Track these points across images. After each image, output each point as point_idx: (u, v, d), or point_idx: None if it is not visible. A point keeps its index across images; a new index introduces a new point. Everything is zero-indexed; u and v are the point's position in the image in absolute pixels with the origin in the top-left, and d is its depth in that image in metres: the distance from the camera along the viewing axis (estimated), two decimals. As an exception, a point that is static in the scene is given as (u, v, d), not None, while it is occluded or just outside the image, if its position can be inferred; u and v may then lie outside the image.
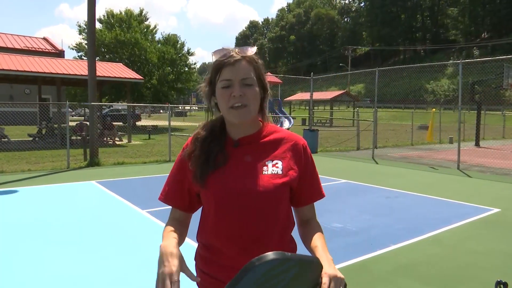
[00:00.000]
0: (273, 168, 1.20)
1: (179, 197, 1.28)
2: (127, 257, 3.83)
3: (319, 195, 1.30)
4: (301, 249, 1.26)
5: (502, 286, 1.30)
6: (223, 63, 1.16)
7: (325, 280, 0.96)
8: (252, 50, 1.19)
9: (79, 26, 30.48)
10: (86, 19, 10.87)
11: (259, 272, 0.84)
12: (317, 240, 1.18)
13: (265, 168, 1.20)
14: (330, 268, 1.00)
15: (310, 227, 1.27)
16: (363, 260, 3.81)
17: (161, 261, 1.01)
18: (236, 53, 1.17)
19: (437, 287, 3.27)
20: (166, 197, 1.30)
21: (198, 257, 1.30)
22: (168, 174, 1.32)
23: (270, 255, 0.86)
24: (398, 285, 3.29)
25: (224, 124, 1.26)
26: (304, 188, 1.26)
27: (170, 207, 1.31)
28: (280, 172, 1.20)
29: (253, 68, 1.18)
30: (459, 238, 4.50)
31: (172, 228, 1.19)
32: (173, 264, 1.00)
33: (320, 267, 0.98)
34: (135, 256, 3.87)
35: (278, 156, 1.23)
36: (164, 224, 5.21)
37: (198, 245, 1.30)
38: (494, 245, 4.26)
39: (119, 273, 3.46)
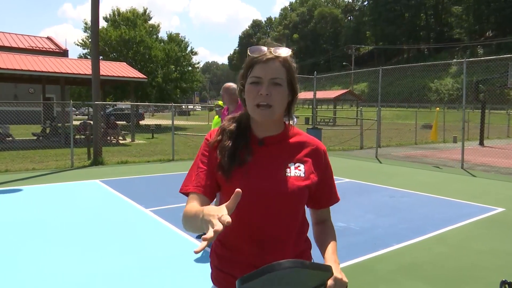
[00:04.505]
0: (295, 170, 1.21)
1: (209, 186, 1.20)
2: (131, 256, 3.84)
3: (336, 199, 1.35)
4: (314, 247, 1.32)
5: (507, 286, 1.29)
6: (256, 60, 1.18)
7: (330, 283, 1.01)
8: (287, 51, 1.20)
9: (86, 23, 30.61)
10: (90, 19, 10.89)
11: (276, 275, 0.85)
12: (330, 243, 1.23)
13: (287, 170, 1.21)
14: (336, 272, 1.05)
15: (324, 228, 1.32)
16: (366, 259, 3.81)
17: (207, 215, 0.90)
18: (270, 52, 1.18)
19: (441, 287, 3.26)
20: (196, 186, 1.19)
21: (213, 254, 1.29)
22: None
23: (289, 263, 0.85)
24: (401, 285, 3.28)
25: (249, 121, 1.27)
26: (323, 192, 1.29)
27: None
28: (302, 175, 1.21)
29: (285, 69, 1.19)
30: (464, 238, 4.48)
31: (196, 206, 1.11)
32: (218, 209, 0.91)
33: (330, 275, 0.98)
34: (139, 255, 3.88)
35: (300, 159, 1.24)
36: (167, 223, 5.19)
37: (214, 242, 1.28)
38: (499, 245, 4.24)
39: (123, 272, 3.46)
